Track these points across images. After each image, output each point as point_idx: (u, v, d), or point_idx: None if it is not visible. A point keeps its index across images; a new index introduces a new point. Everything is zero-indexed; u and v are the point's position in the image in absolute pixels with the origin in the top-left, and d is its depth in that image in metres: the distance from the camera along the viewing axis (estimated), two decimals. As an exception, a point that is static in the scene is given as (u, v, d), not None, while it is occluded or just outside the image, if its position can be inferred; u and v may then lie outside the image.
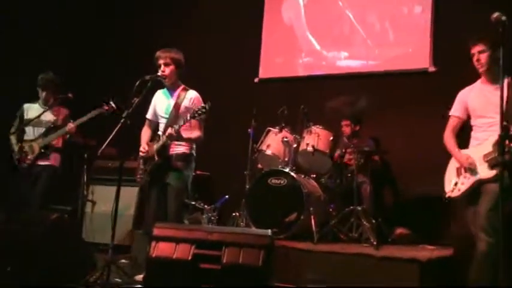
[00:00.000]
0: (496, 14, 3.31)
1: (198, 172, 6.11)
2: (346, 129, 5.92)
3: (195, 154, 4.57)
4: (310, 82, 6.80)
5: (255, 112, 5.83)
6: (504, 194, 3.69)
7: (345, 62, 6.68)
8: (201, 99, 4.52)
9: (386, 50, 6.43)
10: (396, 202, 6.05)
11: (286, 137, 5.47)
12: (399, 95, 6.15)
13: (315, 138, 5.33)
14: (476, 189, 3.91)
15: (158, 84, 4.60)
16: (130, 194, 6.04)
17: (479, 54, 3.91)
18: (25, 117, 5.63)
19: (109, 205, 5.65)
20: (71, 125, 5.47)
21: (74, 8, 7.56)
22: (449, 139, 4.17)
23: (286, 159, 5.43)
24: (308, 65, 6.92)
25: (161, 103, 4.61)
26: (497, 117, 3.71)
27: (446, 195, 4.10)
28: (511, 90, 3.77)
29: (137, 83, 4.14)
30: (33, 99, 5.72)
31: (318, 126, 5.43)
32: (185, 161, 4.45)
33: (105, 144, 4.06)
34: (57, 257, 3.88)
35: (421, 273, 4.19)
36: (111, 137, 4.00)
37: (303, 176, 5.41)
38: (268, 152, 5.52)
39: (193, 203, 4.27)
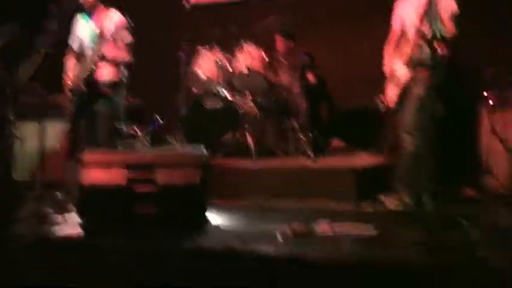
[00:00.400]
0: None
1: (129, 100, 5.95)
2: (280, 45, 5.84)
3: (125, 80, 4.42)
4: (241, 6, 6.59)
5: (186, 36, 5.64)
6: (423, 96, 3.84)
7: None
8: (124, 20, 4.29)
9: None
10: (332, 116, 6.12)
11: (220, 59, 5.37)
12: (334, 10, 6.08)
13: (248, 57, 5.26)
14: (404, 95, 4.00)
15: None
16: (60, 127, 5.84)
17: None
18: None
19: (35, 141, 5.52)
20: None
21: None
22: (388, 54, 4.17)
23: (220, 80, 5.36)
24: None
25: (83, 29, 4.38)
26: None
27: (382, 106, 4.19)
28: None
29: (51, 6, 3.89)
30: None
31: (249, 43, 5.34)
32: (113, 87, 4.30)
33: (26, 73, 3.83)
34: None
35: (356, 180, 4.33)
36: (32, 64, 3.77)
37: (238, 97, 5.37)
38: (202, 74, 5.42)
39: (124, 128, 4.16)
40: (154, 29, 6.37)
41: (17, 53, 4.21)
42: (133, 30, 4.08)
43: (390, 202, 4.02)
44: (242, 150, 5.08)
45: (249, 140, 5.05)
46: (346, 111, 6.03)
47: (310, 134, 5.29)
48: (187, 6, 6.77)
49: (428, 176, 3.84)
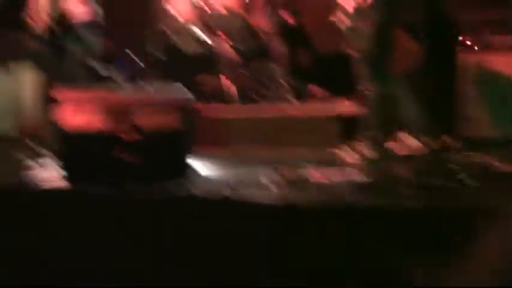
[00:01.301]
0: None
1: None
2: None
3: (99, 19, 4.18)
4: None
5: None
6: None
7: None
8: None
9: None
10: (310, 61, 5.92)
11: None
12: None
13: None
14: None
15: None
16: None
17: None
18: None
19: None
20: None
21: None
22: None
23: (195, 21, 5.10)
24: None
25: None
26: None
27: None
28: None
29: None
30: None
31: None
32: (88, 28, 4.10)
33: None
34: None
35: (341, 127, 4.21)
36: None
37: (215, 39, 5.12)
38: (176, 14, 5.11)
39: (98, 68, 3.89)
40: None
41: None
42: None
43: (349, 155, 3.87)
44: (219, 96, 4.87)
45: (227, 84, 4.84)
46: (325, 56, 5.84)
47: (290, 79, 5.12)
48: None
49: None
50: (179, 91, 3.20)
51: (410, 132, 3.78)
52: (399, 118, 3.82)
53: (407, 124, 3.81)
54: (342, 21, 3.93)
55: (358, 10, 3.76)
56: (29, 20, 4.06)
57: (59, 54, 4.03)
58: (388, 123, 3.79)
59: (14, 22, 4.22)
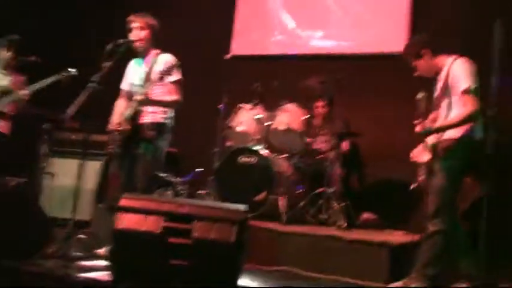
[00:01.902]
0: None
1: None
2: (319, 110, 5.79)
3: (171, 123, 4.34)
4: (283, 61, 6.62)
5: (226, 89, 5.64)
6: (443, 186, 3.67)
7: (320, 41, 6.53)
8: (176, 62, 4.28)
9: (362, 31, 6.31)
10: (365, 186, 5.97)
11: (259, 114, 5.31)
12: (373, 78, 6.05)
13: (289, 116, 5.20)
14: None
15: (132, 53, 4.36)
16: (92, 168, 5.80)
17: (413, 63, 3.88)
18: None
19: (69, 178, 5.44)
20: (25, 91, 5.15)
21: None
22: None
23: (257, 137, 5.28)
24: (281, 43, 6.74)
25: (134, 72, 4.39)
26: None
27: (412, 185, 4.06)
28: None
29: (109, 46, 3.89)
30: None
31: (291, 104, 5.30)
32: (158, 130, 4.19)
33: (72, 109, 3.77)
34: (12, 227, 3.63)
35: (390, 257, 4.14)
36: (78, 100, 3.73)
37: (274, 155, 5.27)
38: (239, 129, 5.36)
39: (162, 175, 4.06)
40: (196, 78, 6.38)
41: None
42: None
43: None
44: (273, 212, 4.93)
45: (281, 202, 4.91)
46: (379, 183, 5.88)
47: (343, 204, 5.15)
48: (228, 57, 6.88)
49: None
50: (237, 207, 3.30)
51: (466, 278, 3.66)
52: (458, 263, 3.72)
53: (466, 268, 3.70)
54: (415, 156, 3.98)
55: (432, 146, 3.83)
56: (111, 123, 4.31)
57: (129, 156, 4.21)
58: (447, 264, 3.70)
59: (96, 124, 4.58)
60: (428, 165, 3.80)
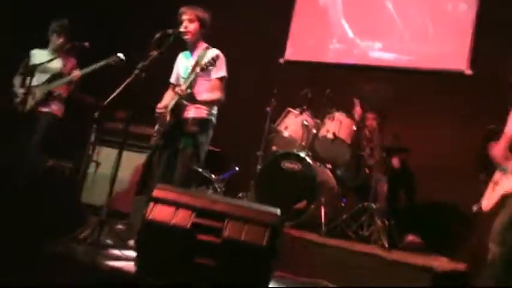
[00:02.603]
0: None
1: (210, 148, 5.82)
2: (370, 123, 5.56)
3: (214, 120, 4.27)
4: (339, 69, 6.46)
5: (276, 92, 5.52)
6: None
7: (378, 53, 6.33)
8: (224, 58, 4.20)
9: (422, 46, 6.08)
10: (411, 206, 5.69)
11: (307, 121, 5.15)
12: (430, 94, 5.81)
13: (337, 125, 5.01)
14: (502, 205, 3.60)
15: (182, 46, 4.30)
16: (137, 160, 5.80)
17: None
18: (32, 62, 5.33)
19: (113, 169, 5.44)
20: (76, 73, 5.22)
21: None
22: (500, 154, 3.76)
23: (303, 143, 5.12)
24: (339, 51, 6.58)
25: (182, 65, 4.35)
26: None
27: (476, 208, 3.82)
28: None
29: (157, 35, 3.84)
30: (42, 45, 5.47)
31: (341, 113, 5.12)
32: (201, 125, 4.13)
33: (113, 95, 3.74)
34: (45, 206, 3.61)
35: (433, 283, 3.89)
36: (122, 87, 3.69)
37: (318, 164, 5.10)
38: (286, 133, 5.21)
39: (200, 170, 3.96)
40: (248, 79, 6.30)
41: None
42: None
43: None
44: (313, 223, 4.75)
45: (322, 213, 4.72)
46: (427, 204, 5.59)
47: (387, 222, 4.91)
48: (281, 61, 6.78)
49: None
50: (272, 210, 3.15)
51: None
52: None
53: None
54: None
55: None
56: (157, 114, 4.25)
57: (171, 149, 4.15)
58: None
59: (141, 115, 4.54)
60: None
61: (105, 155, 5.96)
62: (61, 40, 5.35)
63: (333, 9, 6.72)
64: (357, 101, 5.51)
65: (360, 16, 6.54)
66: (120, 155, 3.93)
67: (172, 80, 4.44)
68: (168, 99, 4.28)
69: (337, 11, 6.69)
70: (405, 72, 6.10)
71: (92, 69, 5.13)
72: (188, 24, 4.17)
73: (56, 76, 5.28)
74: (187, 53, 4.35)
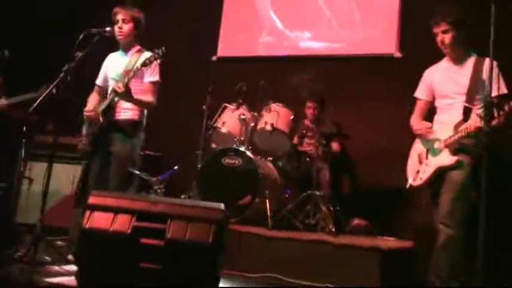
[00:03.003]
0: None
1: (147, 152, 5.67)
2: (309, 111, 5.57)
3: (145, 122, 4.12)
4: (271, 62, 6.44)
5: (211, 89, 5.44)
6: (466, 183, 3.50)
7: (308, 43, 6.34)
8: (157, 62, 4.04)
9: (351, 33, 6.13)
10: (355, 191, 5.76)
11: (244, 114, 5.09)
12: (363, 80, 5.87)
13: (274, 116, 4.98)
14: (438, 177, 3.65)
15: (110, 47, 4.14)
16: (72, 172, 5.58)
17: (443, 34, 3.64)
18: None
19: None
20: (2, 102, 4.93)
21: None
22: (414, 123, 3.91)
23: (242, 138, 5.06)
24: (269, 44, 6.55)
25: (113, 65, 4.17)
26: (460, 98, 3.60)
27: (408, 184, 3.84)
28: (476, 69, 3.57)
29: (81, 36, 3.66)
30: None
31: (277, 103, 5.09)
32: (132, 127, 3.99)
33: (37, 102, 3.54)
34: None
35: (381, 262, 3.93)
36: (46, 92, 3.50)
37: (259, 157, 5.05)
38: (223, 129, 5.13)
39: (137, 172, 3.82)
40: (181, 81, 6.19)
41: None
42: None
43: None
44: (259, 217, 4.69)
45: (267, 206, 4.68)
46: (370, 187, 5.66)
47: (332, 208, 4.93)
48: (214, 59, 6.71)
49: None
50: (215, 205, 3.06)
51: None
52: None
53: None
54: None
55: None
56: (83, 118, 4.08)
57: (103, 152, 4.00)
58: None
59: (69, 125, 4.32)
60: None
61: (38, 170, 5.71)
62: None
63: (261, 3, 6.69)
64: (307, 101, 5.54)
65: (288, 7, 6.53)
66: (50, 169, 3.73)
67: (99, 82, 4.28)
68: (94, 102, 4.13)
69: (265, 4, 6.67)
70: (337, 59, 6.14)
71: (19, 100, 4.87)
72: (122, 24, 4.03)
73: None
74: (119, 53, 4.19)
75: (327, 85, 5.47)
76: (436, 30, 3.68)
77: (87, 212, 2.88)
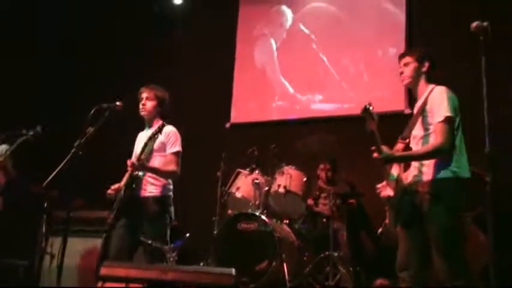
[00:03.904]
0: (475, 23, 3.12)
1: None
2: (322, 174, 5.61)
3: (172, 195, 4.18)
4: (284, 126, 6.57)
5: (225, 155, 5.53)
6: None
7: (319, 105, 6.48)
8: (178, 134, 4.19)
9: (361, 93, 6.26)
10: (375, 250, 5.67)
11: (257, 179, 5.14)
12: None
13: (287, 179, 5.02)
14: None
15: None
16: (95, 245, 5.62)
17: (404, 67, 3.61)
18: None
19: (71, 258, 5.24)
20: None
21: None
22: None
23: (256, 202, 5.08)
24: (282, 108, 6.71)
25: (139, 142, 4.32)
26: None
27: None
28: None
29: (92, 110, 3.80)
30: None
31: (290, 166, 5.14)
32: (161, 204, 4.04)
33: (50, 177, 3.63)
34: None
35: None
36: (60, 166, 3.60)
37: (274, 220, 5.05)
38: (238, 194, 5.18)
39: (149, 242, 3.84)
40: (195, 150, 6.30)
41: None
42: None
43: None
44: (277, 281, 4.64)
45: (285, 269, 4.63)
46: (391, 246, 5.56)
47: (352, 269, 4.85)
48: (227, 126, 6.85)
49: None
50: (226, 271, 3.06)
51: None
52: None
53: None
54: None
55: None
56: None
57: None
58: None
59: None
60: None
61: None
62: None
63: (270, 69, 6.90)
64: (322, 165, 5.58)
65: (297, 72, 6.73)
66: (64, 243, 3.75)
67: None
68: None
69: (275, 70, 6.87)
70: (348, 119, 6.22)
71: (14, 147, 4.94)
72: (146, 101, 4.21)
73: None
74: (145, 130, 4.35)
75: (338, 145, 5.52)
76: (400, 63, 3.69)
77: (99, 283, 2.91)
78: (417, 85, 3.60)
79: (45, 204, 5.34)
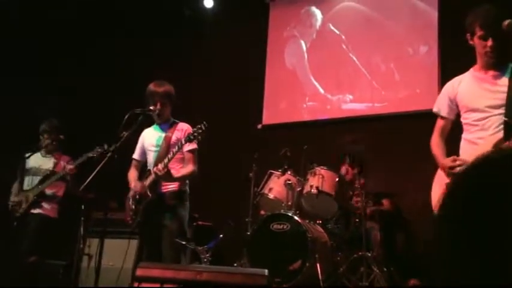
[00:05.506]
0: (507, 21, 3.02)
1: (199, 222, 5.79)
2: (356, 172, 5.56)
3: (188, 190, 4.24)
4: (315, 126, 6.58)
5: (257, 157, 5.57)
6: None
7: (350, 105, 6.47)
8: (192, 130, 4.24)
9: (392, 92, 6.23)
10: (409, 250, 5.63)
11: (289, 180, 5.16)
12: (408, 136, 5.87)
13: (320, 179, 5.03)
14: None
15: (147, 121, 4.36)
16: (129, 246, 5.73)
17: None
18: (27, 166, 5.41)
19: (108, 259, 5.37)
20: (68, 167, 5.18)
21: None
22: (435, 146, 3.45)
23: (289, 203, 5.10)
24: (313, 109, 6.72)
25: (151, 137, 4.33)
26: (494, 112, 3.10)
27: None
28: None
29: (126, 116, 3.89)
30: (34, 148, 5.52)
31: (322, 167, 5.15)
32: (179, 198, 4.12)
33: (87, 181, 3.75)
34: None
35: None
36: (95, 171, 3.71)
37: (307, 221, 5.06)
38: (270, 195, 5.21)
39: (183, 243, 3.91)
40: (228, 152, 6.38)
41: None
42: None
43: None
44: (311, 281, 4.65)
45: (319, 269, 4.64)
46: (425, 245, 5.52)
47: (385, 269, 4.83)
48: (259, 127, 6.90)
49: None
50: (258, 271, 3.10)
51: None
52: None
53: None
54: None
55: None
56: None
57: (152, 226, 4.13)
58: None
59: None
60: None
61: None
62: (50, 140, 5.40)
63: (300, 70, 6.92)
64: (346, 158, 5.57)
65: (328, 72, 6.73)
66: (102, 245, 3.88)
67: (136, 156, 4.43)
68: (134, 176, 4.29)
69: (305, 71, 6.89)
70: (380, 119, 6.21)
71: (82, 160, 5.11)
72: (162, 107, 4.19)
73: (48, 176, 5.29)
74: (156, 126, 4.36)
75: (371, 144, 5.50)
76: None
77: (135, 284, 2.99)
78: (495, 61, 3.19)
79: (83, 207, 5.54)
